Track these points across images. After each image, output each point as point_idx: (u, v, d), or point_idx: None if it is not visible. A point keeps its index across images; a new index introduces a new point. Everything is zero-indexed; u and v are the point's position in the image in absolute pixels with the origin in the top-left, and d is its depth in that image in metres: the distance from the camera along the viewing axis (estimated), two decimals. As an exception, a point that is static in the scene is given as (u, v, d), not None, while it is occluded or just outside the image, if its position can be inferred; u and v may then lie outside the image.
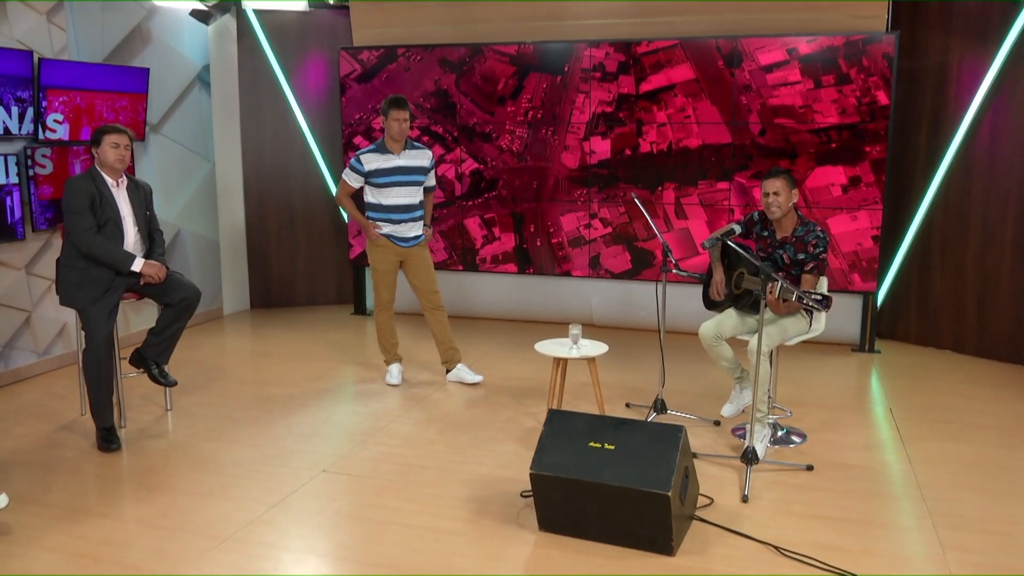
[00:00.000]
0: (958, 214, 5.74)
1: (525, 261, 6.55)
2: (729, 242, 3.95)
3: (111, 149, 4.14)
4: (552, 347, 4.48)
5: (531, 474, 3.21)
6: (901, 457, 4.04)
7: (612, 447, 3.17)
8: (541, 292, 6.69)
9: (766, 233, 4.24)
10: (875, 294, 5.87)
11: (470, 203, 6.58)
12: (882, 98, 5.51)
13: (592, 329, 6.52)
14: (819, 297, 3.64)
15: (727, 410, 4.50)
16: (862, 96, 5.55)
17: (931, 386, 5.20)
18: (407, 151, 4.97)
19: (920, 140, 5.89)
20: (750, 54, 5.73)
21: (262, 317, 7.10)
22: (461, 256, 6.69)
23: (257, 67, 6.99)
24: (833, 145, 5.66)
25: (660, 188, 6.09)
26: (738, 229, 4.22)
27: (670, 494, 2.99)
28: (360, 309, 7.09)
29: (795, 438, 4.26)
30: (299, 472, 3.84)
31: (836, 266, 5.79)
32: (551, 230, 6.42)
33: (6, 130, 5.06)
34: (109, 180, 4.17)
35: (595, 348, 4.48)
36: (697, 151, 5.96)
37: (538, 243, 6.47)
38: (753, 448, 3.78)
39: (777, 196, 4.10)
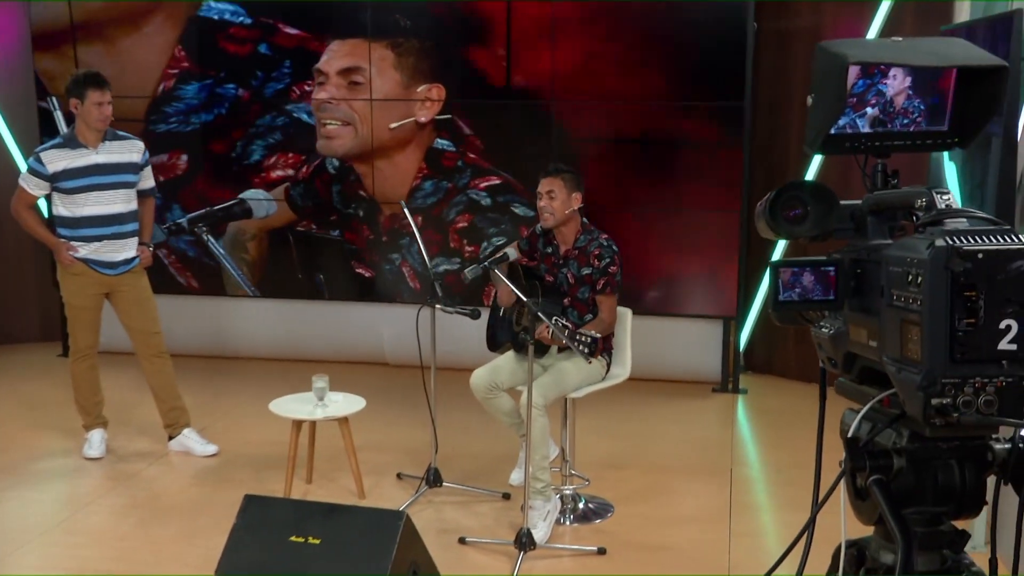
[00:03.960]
0: (841, 215, 6.43)
1: (285, 283, 6.98)
2: (496, 270, 4.42)
3: None
4: (291, 405, 4.85)
5: (216, 579, 3.57)
6: (721, 532, 4.61)
7: (318, 541, 3.57)
8: (318, 322, 7.07)
9: (549, 249, 4.75)
10: (737, 319, 6.52)
11: (217, 205, 6.94)
12: (736, 71, 6.15)
13: (386, 370, 6.95)
14: (588, 339, 4.14)
15: (515, 477, 4.97)
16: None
17: (797, 436, 5.84)
18: (108, 143, 5.23)
19: (792, 122, 6.57)
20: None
21: (-69, 364, 7.19)
22: (207, 278, 7.06)
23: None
24: (677, 131, 6.30)
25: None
26: (512, 253, 4.69)
27: (381, 598, 3.41)
28: (73, 349, 7.28)
29: (599, 512, 4.78)
30: (-70, 588, 4.08)
31: (684, 285, 6.43)
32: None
33: None
34: None
35: (348, 405, 4.88)
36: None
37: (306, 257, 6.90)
38: (527, 530, 4.26)
39: (552, 199, 4.59)
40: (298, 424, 4.80)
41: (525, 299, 4.20)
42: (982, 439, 1.71)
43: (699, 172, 6.29)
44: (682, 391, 6.62)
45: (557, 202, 4.58)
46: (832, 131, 1.77)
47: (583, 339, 4.10)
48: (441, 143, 6.59)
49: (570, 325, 4.26)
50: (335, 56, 6.65)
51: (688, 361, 6.66)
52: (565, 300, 4.67)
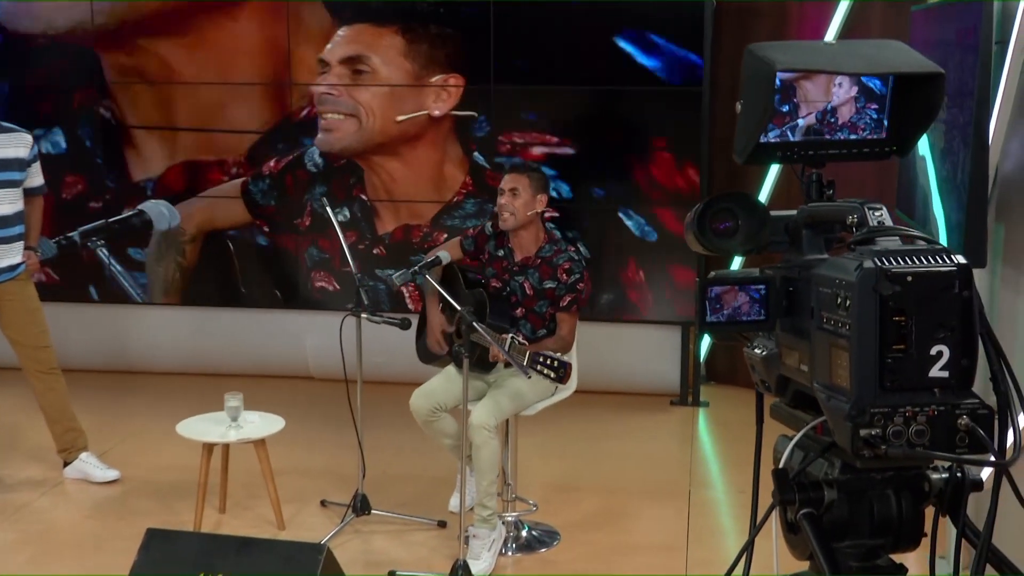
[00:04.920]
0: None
1: (200, 289, 7.04)
2: (428, 277, 4.49)
3: None
4: (201, 426, 4.88)
5: (114, 624, 3.61)
6: (678, 561, 4.70)
7: (229, 579, 3.62)
8: (235, 331, 7.13)
9: (501, 252, 4.80)
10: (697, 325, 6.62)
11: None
12: (693, 52, 6.26)
13: (310, 384, 7.01)
14: (555, 363, 4.21)
15: (455, 503, 5.04)
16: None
17: (764, 454, 5.95)
18: (-11, 136, 5.24)
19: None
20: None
21: None
22: (106, 284, 7.08)
23: None
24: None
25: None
26: (445, 256, 4.76)
27: (298, 641, 3.47)
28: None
29: (544, 540, 4.86)
30: None
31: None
32: (240, 240, 6.98)
33: None
34: None
35: (265, 425, 4.91)
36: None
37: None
38: (464, 562, 4.33)
39: (514, 197, 4.65)
40: (209, 447, 4.83)
41: (459, 308, 4.27)
42: (918, 468, 1.80)
43: (653, 163, 6.39)
44: (637, 404, 6.72)
45: (520, 201, 4.62)
46: (762, 139, 1.85)
47: (549, 362, 4.17)
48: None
49: (526, 343, 4.32)
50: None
51: (643, 371, 6.78)
52: (518, 311, 4.72)
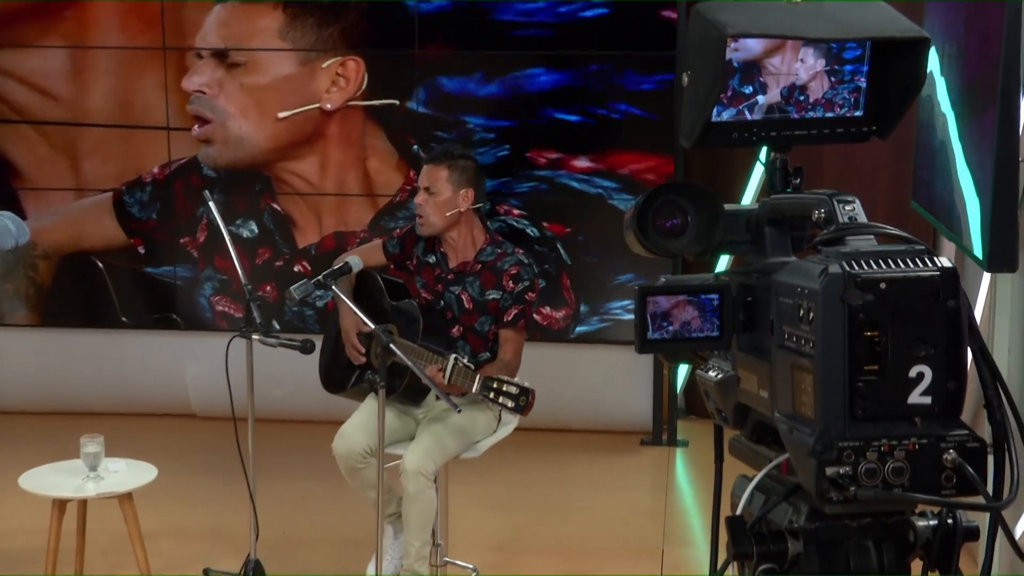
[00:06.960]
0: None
1: (54, 306, 7.05)
2: (335, 288, 4.50)
3: None
4: (51, 478, 4.85)
5: None
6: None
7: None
8: (98, 360, 7.10)
9: (432, 259, 4.80)
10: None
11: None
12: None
13: (192, 423, 7.00)
14: (515, 390, 4.25)
15: (372, 570, 5.04)
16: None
17: (725, 497, 6.03)
18: None
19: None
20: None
21: None
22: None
23: None
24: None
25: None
26: (356, 263, 4.76)
27: None
28: None
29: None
30: None
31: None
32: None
33: None
34: None
35: (132, 475, 4.88)
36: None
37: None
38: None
39: (430, 195, 4.66)
40: (61, 504, 4.80)
41: (373, 326, 4.28)
42: (901, 514, 1.85)
43: (616, 148, 6.45)
44: (600, 445, 6.75)
45: (439, 200, 4.62)
46: (714, 118, 1.89)
47: (506, 389, 4.20)
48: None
49: (471, 366, 4.34)
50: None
51: (609, 404, 6.81)
52: (454, 329, 4.72)
